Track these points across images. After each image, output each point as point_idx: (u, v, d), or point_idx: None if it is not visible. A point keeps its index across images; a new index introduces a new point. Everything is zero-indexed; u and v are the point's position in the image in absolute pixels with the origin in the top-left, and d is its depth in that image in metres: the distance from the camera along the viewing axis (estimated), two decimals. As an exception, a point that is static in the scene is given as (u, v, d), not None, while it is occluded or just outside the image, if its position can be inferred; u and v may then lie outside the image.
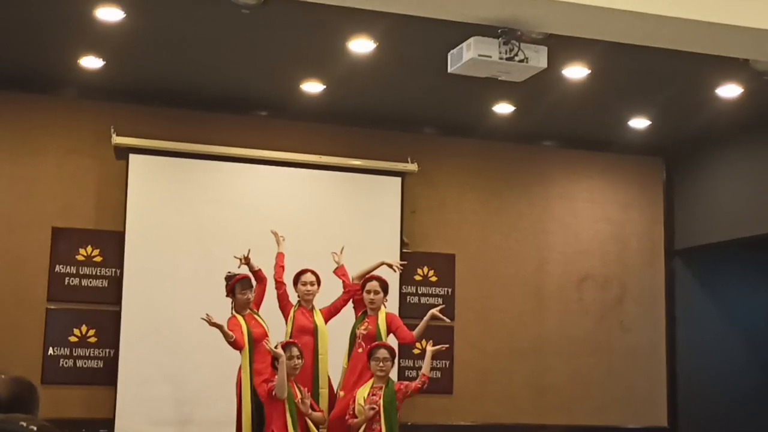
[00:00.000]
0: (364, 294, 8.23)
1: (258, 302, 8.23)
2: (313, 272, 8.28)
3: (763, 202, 10.42)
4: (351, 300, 8.37)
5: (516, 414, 10.80)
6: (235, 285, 8.13)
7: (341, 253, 8.46)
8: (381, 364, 7.73)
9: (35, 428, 1.91)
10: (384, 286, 8.26)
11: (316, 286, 8.26)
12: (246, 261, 8.18)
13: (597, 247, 11.51)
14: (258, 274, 8.19)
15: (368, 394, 7.68)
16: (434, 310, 8.25)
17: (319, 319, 8.19)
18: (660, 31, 6.15)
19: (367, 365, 7.85)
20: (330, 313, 8.31)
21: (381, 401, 7.61)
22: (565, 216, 11.48)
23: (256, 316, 8.14)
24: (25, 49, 8.72)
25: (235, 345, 7.85)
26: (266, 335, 8.00)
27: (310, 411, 7.64)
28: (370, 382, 7.77)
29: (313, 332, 8.11)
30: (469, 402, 10.74)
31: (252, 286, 8.16)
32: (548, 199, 11.43)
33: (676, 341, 11.57)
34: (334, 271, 8.39)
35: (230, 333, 7.80)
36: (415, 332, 8.25)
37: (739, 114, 10.03)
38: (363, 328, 8.15)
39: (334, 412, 7.99)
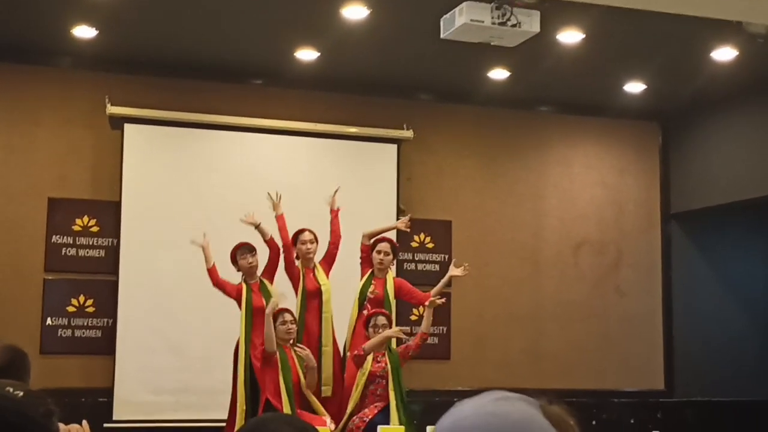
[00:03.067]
0: (374, 254, 8.34)
1: (271, 272, 8.24)
2: (310, 231, 8.35)
3: (760, 164, 10.43)
4: (361, 260, 8.43)
5: (513, 379, 10.83)
6: (235, 253, 8.15)
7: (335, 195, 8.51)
8: (380, 330, 7.78)
9: (22, 393, 1.93)
10: (395, 249, 8.47)
11: (315, 244, 8.33)
12: (256, 225, 8.15)
13: (593, 213, 11.52)
14: (269, 243, 8.19)
15: (372, 360, 7.74)
16: (455, 271, 8.33)
17: (322, 277, 8.26)
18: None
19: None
20: (329, 264, 8.39)
21: (388, 366, 7.70)
22: (561, 181, 11.48)
23: (263, 287, 8.17)
24: (18, 19, 8.69)
25: (211, 275, 8.00)
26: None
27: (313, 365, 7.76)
28: None
29: (318, 293, 8.20)
30: (466, 368, 10.79)
31: (252, 251, 8.18)
32: (545, 164, 11.43)
33: (673, 305, 11.61)
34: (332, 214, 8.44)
35: (210, 258, 7.98)
36: (433, 291, 8.28)
37: (735, 77, 10.01)
38: (371, 291, 8.25)
39: (347, 376, 8.09)
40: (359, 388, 7.77)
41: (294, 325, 7.80)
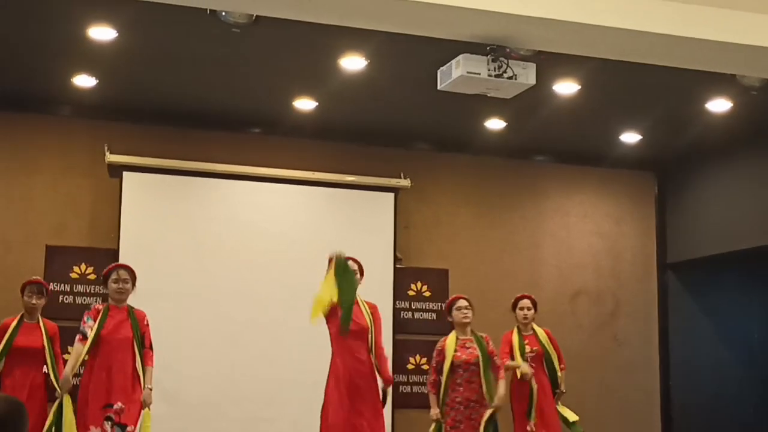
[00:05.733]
0: (518, 311, 8.77)
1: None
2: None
3: (755, 214, 10.47)
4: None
5: (510, 428, 10.77)
6: (24, 287, 8.12)
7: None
8: (464, 311, 8.31)
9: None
10: (535, 303, 8.82)
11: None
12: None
13: (590, 262, 11.55)
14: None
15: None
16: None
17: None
18: (648, 47, 6.20)
19: (547, 379, 8.56)
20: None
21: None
22: (558, 230, 11.51)
23: (41, 327, 8.04)
24: (19, 68, 8.76)
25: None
26: (36, 349, 7.89)
27: None
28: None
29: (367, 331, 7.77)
30: (463, 417, 10.73)
31: (42, 294, 8.08)
32: (541, 213, 11.48)
33: (670, 355, 11.60)
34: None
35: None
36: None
37: (729, 128, 10.09)
38: (529, 350, 8.59)
39: None
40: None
41: (127, 285, 7.61)
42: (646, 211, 11.84)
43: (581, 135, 10.76)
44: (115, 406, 7.23)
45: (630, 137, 10.72)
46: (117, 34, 7.75)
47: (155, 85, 9.27)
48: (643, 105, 9.54)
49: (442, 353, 8.16)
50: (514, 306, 8.87)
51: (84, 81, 9.04)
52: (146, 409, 7.38)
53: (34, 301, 8.08)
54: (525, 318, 8.74)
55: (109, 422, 7.22)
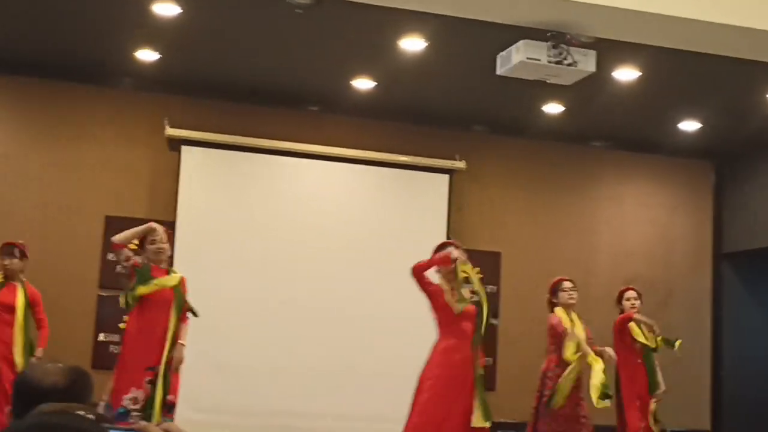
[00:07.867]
0: (624, 302, 8.89)
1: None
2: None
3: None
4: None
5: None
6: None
7: None
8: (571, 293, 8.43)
9: (93, 417, 2.02)
10: (639, 294, 8.89)
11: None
12: None
13: (644, 250, 11.48)
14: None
15: None
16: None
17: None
18: (710, 37, 6.16)
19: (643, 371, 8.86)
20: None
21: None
22: (612, 217, 11.46)
23: (18, 286, 8.06)
24: (84, 41, 8.91)
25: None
26: (13, 306, 7.95)
27: None
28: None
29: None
30: (511, 399, 10.76)
31: (12, 255, 8.06)
32: (596, 200, 11.43)
33: (722, 346, 11.52)
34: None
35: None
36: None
37: (791, 119, 9.98)
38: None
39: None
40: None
41: (165, 245, 7.26)
42: (703, 201, 11.73)
43: (640, 122, 10.69)
44: None
45: (689, 125, 10.63)
46: (181, 11, 7.84)
47: (216, 61, 9.37)
48: (704, 94, 9.46)
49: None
50: (620, 298, 8.91)
51: (146, 55, 9.17)
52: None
53: (6, 263, 8.12)
54: (633, 307, 8.80)
55: None
